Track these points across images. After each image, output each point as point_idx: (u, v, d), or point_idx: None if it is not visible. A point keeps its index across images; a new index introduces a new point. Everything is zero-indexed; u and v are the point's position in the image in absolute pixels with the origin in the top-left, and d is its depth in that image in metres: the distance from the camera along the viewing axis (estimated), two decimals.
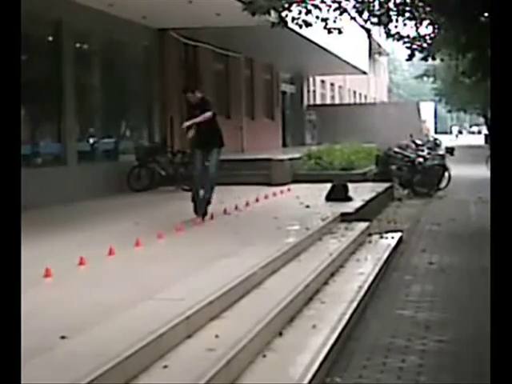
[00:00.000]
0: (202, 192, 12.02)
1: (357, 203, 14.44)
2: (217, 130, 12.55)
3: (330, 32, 14.47)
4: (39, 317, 6.07)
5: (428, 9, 14.87)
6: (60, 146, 15.95)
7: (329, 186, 15.32)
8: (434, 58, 16.61)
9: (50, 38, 16.17)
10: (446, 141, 46.56)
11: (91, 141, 17.70)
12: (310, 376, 5.70)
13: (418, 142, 27.06)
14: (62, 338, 5.33)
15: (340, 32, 14.44)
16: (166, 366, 5.27)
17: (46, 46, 16.19)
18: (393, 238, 12.56)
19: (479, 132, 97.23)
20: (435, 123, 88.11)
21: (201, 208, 12.03)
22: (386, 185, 19.16)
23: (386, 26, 14.79)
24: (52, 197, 14.36)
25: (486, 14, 14.16)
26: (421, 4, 14.82)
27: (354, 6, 14.52)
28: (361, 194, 16.02)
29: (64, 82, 15.94)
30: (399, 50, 71.84)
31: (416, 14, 14.91)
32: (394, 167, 20.92)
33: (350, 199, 14.86)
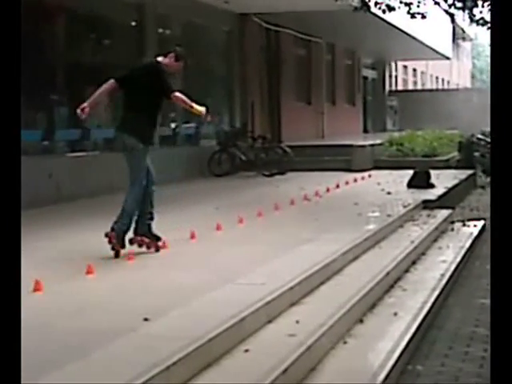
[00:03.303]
0: None
1: (439, 190, 14.26)
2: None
3: (413, 17, 14.31)
4: (122, 299, 6.16)
5: None
6: None
7: (410, 172, 15.16)
8: None
9: (133, 23, 16.34)
10: None
11: (173, 126, 17.84)
12: (391, 363, 5.65)
13: None
14: (145, 319, 5.39)
15: (424, 17, 14.27)
16: (247, 350, 5.29)
17: (130, 30, 16.35)
18: (475, 226, 12.36)
19: None
20: None
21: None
22: (469, 172, 18.87)
23: (470, 10, 14.53)
24: None
25: None
26: None
27: None
28: (443, 181, 15.82)
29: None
30: (483, 36, 70.54)
31: None
32: (477, 154, 20.56)
33: (432, 186, 14.68)
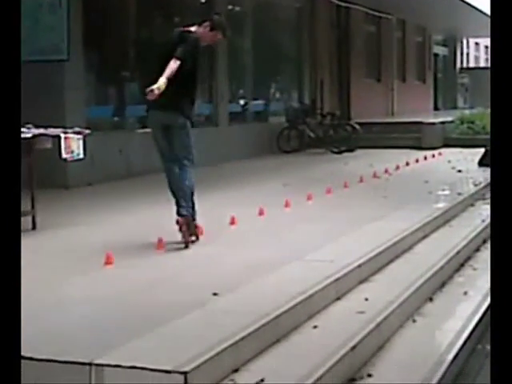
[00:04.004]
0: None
1: None
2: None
3: None
4: (192, 273, 6.21)
5: None
6: (212, 106, 16.18)
7: (481, 150, 14.93)
8: None
9: (203, 0, 16.38)
10: None
11: (242, 102, 17.87)
12: (460, 343, 5.61)
13: None
14: (214, 294, 5.43)
15: None
16: (315, 327, 5.29)
17: (199, 7, 16.39)
18: None
19: None
20: None
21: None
22: None
23: None
24: (203, 157, 14.57)
25: None
26: None
27: None
28: None
29: (216, 43, 16.06)
30: None
31: None
32: None
33: None
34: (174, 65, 6.97)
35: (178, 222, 7.18)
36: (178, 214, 7.21)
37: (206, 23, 7.51)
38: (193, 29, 7.47)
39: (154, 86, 6.83)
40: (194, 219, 7.35)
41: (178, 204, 7.27)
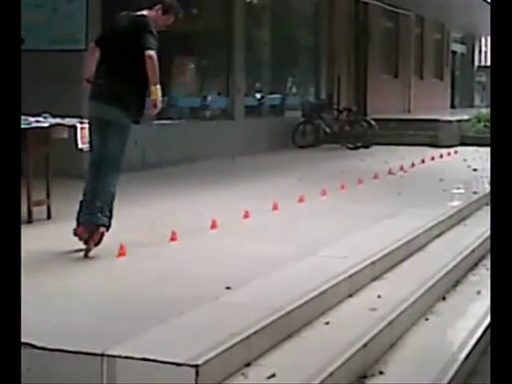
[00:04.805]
0: None
1: None
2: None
3: None
4: (205, 266, 6.20)
5: None
6: (228, 100, 16.16)
7: None
8: None
9: None
10: None
11: (258, 96, 17.85)
12: (472, 342, 5.60)
13: None
14: (227, 288, 5.43)
15: None
16: (327, 323, 5.28)
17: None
18: None
19: None
20: None
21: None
22: None
23: None
24: (219, 150, 14.62)
25: None
26: None
27: None
28: None
29: (234, 36, 16.09)
30: None
31: None
32: None
33: None
34: (154, 62, 6.35)
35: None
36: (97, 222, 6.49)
37: (158, 6, 6.72)
38: (145, 13, 6.68)
39: (158, 100, 6.41)
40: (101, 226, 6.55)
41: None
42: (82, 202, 6.54)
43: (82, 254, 6.41)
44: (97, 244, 6.51)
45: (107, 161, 6.49)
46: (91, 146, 6.70)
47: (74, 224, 6.54)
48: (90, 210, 6.46)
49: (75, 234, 6.52)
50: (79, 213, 6.53)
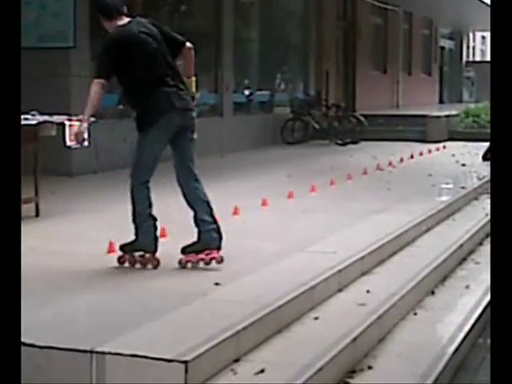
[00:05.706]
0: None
1: None
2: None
3: None
4: None
5: None
6: (217, 96, 16.15)
7: (486, 144, 14.89)
8: None
9: None
10: None
11: (247, 92, 17.85)
12: (461, 336, 5.62)
13: None
14: (216, 284, 5.44)
15: None
16: (317, 318, 5.30)
17: None
18: None
19: None
20: None
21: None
22: None
23: None
24: (207, 147, 14.60)
25: None
26: None
27: None
28: None
29: (222, 32, 16.07)
30: None
31: None
32: None
33: None
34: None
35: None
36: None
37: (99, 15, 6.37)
38: (123, 21, 6.33)
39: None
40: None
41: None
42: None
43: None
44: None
45: None
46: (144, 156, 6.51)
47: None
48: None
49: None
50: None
